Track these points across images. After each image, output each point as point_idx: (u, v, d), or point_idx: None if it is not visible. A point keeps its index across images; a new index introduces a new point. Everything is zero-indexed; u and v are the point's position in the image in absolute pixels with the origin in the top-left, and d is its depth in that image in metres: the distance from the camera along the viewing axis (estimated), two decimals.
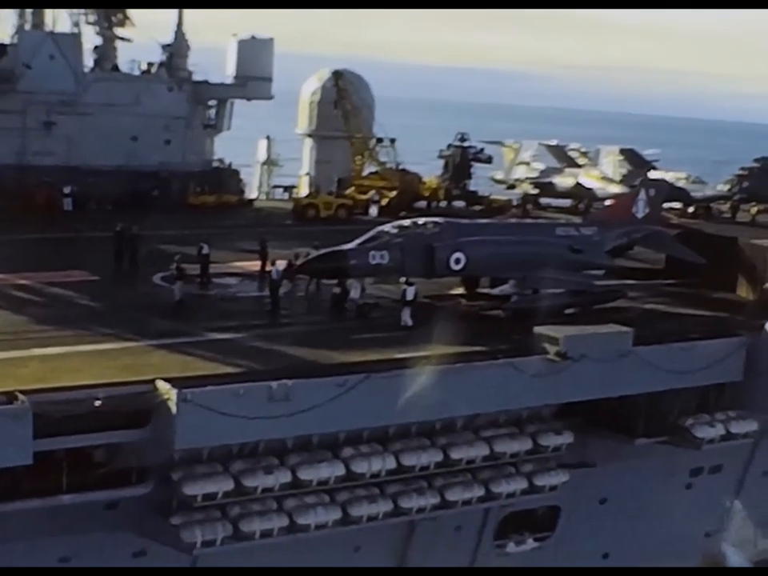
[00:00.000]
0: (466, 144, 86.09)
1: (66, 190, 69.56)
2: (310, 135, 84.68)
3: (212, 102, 78.77)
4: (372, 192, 76.25)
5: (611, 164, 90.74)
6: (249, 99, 78.79)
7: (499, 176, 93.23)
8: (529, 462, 41.61)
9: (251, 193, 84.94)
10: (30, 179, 69.89)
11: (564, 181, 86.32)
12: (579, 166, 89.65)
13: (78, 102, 71.86)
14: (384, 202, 76.81)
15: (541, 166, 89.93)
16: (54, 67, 70.78)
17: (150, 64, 76.24)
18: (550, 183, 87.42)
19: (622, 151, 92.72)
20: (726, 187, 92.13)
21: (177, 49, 76.40)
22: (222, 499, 34.19)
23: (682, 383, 43.46)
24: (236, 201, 77.18)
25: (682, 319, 48.26)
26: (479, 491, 39.86)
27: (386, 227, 45.41)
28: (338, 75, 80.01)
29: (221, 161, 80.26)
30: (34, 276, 48.40)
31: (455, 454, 39.23)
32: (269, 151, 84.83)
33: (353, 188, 78.89)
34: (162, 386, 32.84)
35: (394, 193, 78.23)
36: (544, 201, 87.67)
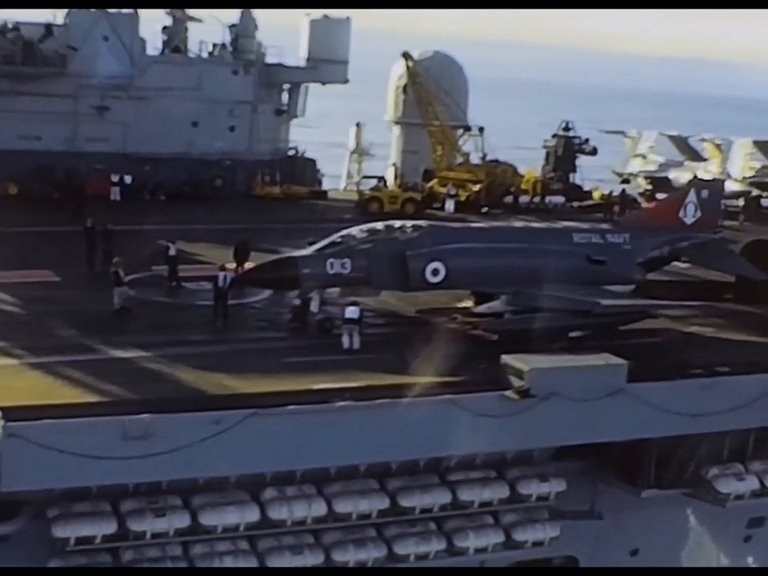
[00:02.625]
0: (570, 134, 77.50)
1: (115, 178, 65.01)
2: (397, 123, 77.59)
3: (285, 87, 72.30)
4: (449, 185, 68.77)
5: (741, 158, 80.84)
6: (323, 83, 72.43)
7: (620, 169, 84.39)
8: (512, 511, 35.07)
9: (340, 183, 78.65)
10: (82, 167, 65.21)
11: (681, 176, 77.31)
12: (704, 160, 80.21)
13: (134, 86, 67.18)
14: (465, 195, 68.99)
15: (660, 159, 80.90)
16: (108, 49, 65.98)
17: (215, 45, 70.49)
18: (666, 178, 78.51)
19: (757, 144, 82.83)
20: None
21: (243, 29, 70.82)
22: (103, 543, 29.52)
23: (699, 428, 35.83)
24: (306, 192, 70.95)
25: (726, 348, 39.89)
26: (439, 544, 33.67)
27: (354, 230, 38.79)
28: (407, 57, 72.74)
29: (295, 149, 74.08)
30: None
31: (406, 501, 33.18)
32: (358, 139, 78.24)
33: (435, 180, 71.45)
34: None
35: (478, 186, 70.32)
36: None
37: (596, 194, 75.75)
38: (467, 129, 74.63)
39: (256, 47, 70.99)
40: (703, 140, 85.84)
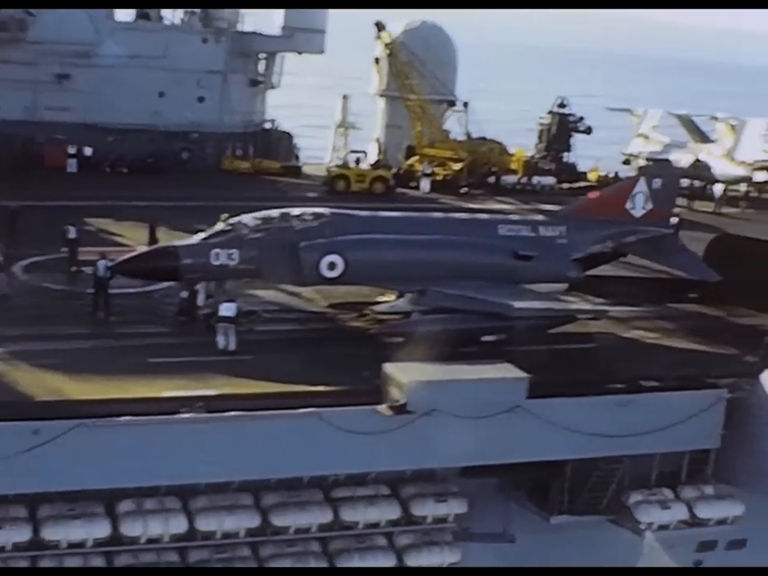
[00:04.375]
0: (565, 111, 72.90)
1: (72, 149, 61.65)
2: (381, 96, 73.35)
3: (261, 56, 68.42)
4: (424, 163, 64.58)
5: (755, 139, 75.64)
6: (299, 53, 68.46)
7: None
8: (409, 533, 31.18)
9: (325, 158, 74.74)
10: (41, 137, 62.10)
11: (682, 158, 72.40)
12: (710, 141, 75.28)
13: (96, 54, 63.28)
14: (443, 174, 64.85)
15: (665, 139, 76.00)
16: (69, 15, 62.32)
17: (185, 12, 66.69)
18: (666, 160, 73.55)
19: None
20: None
21: None
22: None
23: (614, 450, 31.64)
24: (278, 167, 67.10)
25: (665, 358, 35.69)
26: (318, 564, 30.04)
27: (246, 218, 34.95)
28: (379, 27, 68.41)
29: (272, 121, 70.26)
30: None
31: (279, 520, 29.53)
32: (344, 112, 74.05)
33: (415, 157, 67.28)
34: None
35: (459, 165, 66.05)
36: None
37: (592, 176, 71.17)
38: (451, 104, 70.05)
39: (228, 15, 66.84)
40: (715, 119, 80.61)
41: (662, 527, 33.35)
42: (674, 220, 48.14)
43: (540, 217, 40.99)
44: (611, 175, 72.31)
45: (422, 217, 38.51)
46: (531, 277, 36.83)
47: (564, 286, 37.78)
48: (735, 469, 33.87)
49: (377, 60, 70.08)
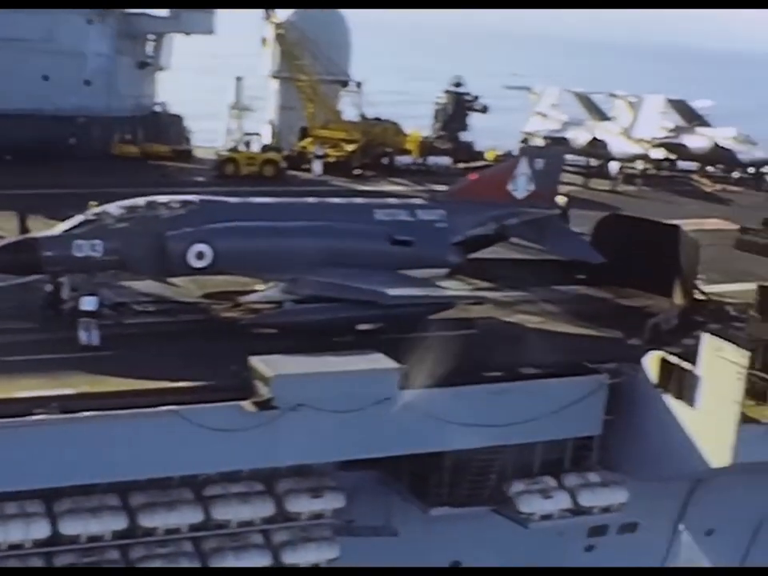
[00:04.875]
0: (461, 90, 72.00)
1: None
2: (274, 77, 71.87)
3: (150, 38, 66.58)
4: (316, 145, 63.36)
5: (652, 117, 75.46)
6: (187, 34, 66.67)
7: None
8: (286, 530, 30.16)
9: (219, 141, 73.03)
10: None
11: (580, 136, 72.02)
12: (608, 119, 74.97)
13: None
14: (336, 156, 63.66)
15: (563, 117, 75.51)
16: None
17: None
18: (563, 138, 73.23)
19: (671, 102, 77.49)
20: None
21: None
22: None
23: (491, 440, 30.86)
24: (168, 151, 65.37)
25: (546, 343, 34.86)
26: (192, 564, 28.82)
27: (110, 207, 33.46)
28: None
29: (162, 105, 68.48)
30: None
31: (149, 521, 28.39)
32: (238, 94, 72.29)
33: (308, 139, 66.01)
34: None
35: (353, 146, 64.89)
36: None
37: (490, 155, 70.38)
38: (344, 84, 68.80)
39: None
40: (614, 96, 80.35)
41: (545, 517, 32.41)
42: (563, 199, 47.58)
43: (418, 200, 39.76)
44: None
45: (295, 203, 37.29)
46: (409, 262, 35.81)
47: (444, 270, 36.75)
48: (620, 455, 33.25)
49: (263, 41, 68.51)
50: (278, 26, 66.56)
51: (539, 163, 39.24)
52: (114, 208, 33.37)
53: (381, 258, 35.27)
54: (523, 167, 39.02)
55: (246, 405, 27.78)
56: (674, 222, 42.40)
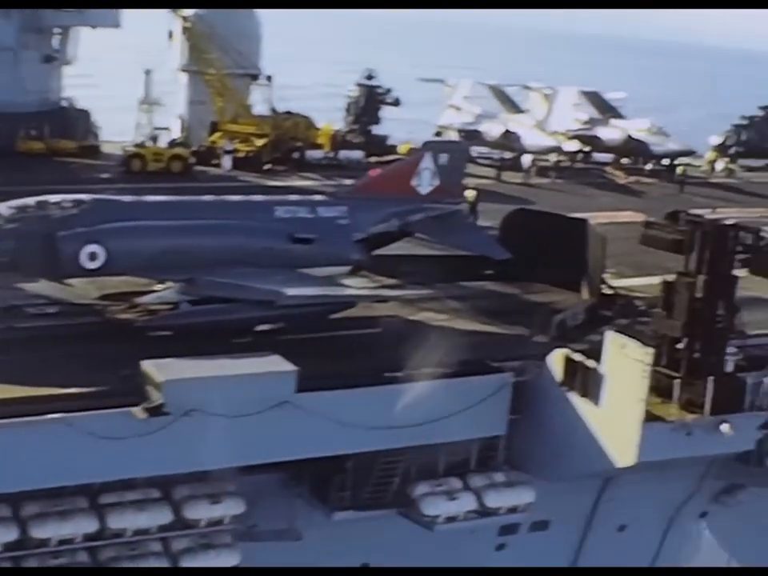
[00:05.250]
0: (373, 83, 71.24)
1: None
2: (183, 71, 70.51)
3: (56, 31, 64.98)
4: (225, 140, 62.26)
5: (566, 109, 75.24)
6: (93, 27, 65.11)
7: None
8: (185, 537, 29.25)
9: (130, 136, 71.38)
10: None
11: (493, 128, 71.58)
12: (521, 111, 74.63)
13: None
14: (247, 151, 62.58)
15: (477, 110, 75.04)
16: None
17: None
18: (477, 131, 72.77)
19: (584, 94, 77.32)
20: (721, 140, 77.77)
21: None
22: None
23: (393, 442, 30.29)
24: (74, 147, 63.89)
25: (450, 341, 34.07)
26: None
27: (1, 208, 32.14)
28: None
29: (69, 99, 66.91)
30: None
31: (39, 532, 27.26)
32: (147, 88, 70.74)
33: (218, 134, 64.87)
34: None
35: (263, 141, 63.88)
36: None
37: (403, 149, 69.63)
38: (255, 77, 67.68)
39: None
40: (528, 88, 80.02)
41: (450, 519, 31.80)
42: (472, 194, 47.11)
43: (319, 197, 38.91)
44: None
45: (191, 201, 36.30)
46: (310, 260, 35.04)
47: (347, 268, 36.01)
48: (526, 454, 32.76)
49: (170, 34, 67.22)
50: (185, 19, 65.32)
51: (443, 158, 38.64)
52: (3, 208, 32.25)
53: (281, 257, 34.46)
54: (427, 162, 38.39)
55: (137, 411, 26.81)
56: (582, 216, 41.98)
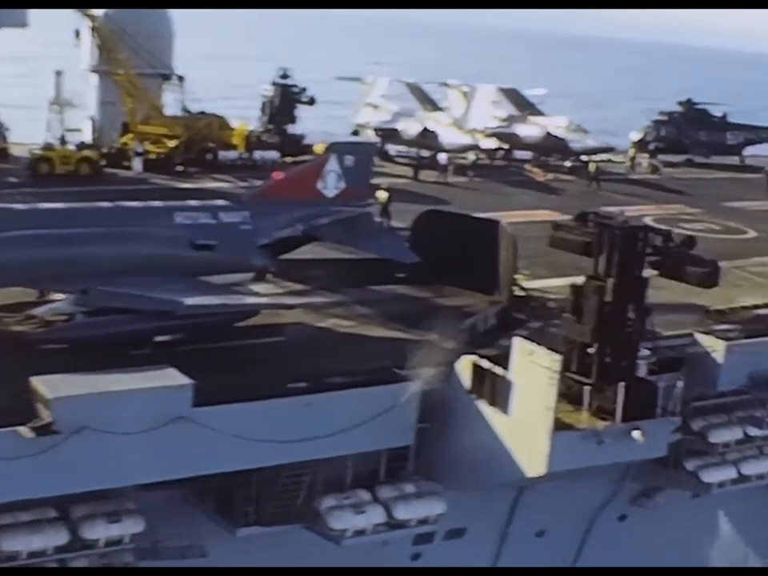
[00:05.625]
0: (288, 82, 70.05)
1: None
2: (93, 71, 68.70)
3: None
4: (136, 142, 60.78)
5: (484, 107, 74.56)
6: None
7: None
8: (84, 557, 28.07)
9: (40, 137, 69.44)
10: None
11: (410, 126, 70.73)
12: (440, 109, 73.83)
13: None
14: (158, 153, 61.14)
15: (394, 108, 74.13)
16: None
17: None
18: (394, 130, 71.90)
19: (502, 91, 76.70)
20: (640, 135, 77.76)
21: None
22: None
23: (298, 455, 29.02)
24: None
25: (356, 350, 33.30)
26: None
27: None
28: None
29: None
30: None
31: None
32: (58, 89, 68.87)
33: (130, 135, 63.30)
34: None
35: (175, 142, 62.47)
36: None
37: (319, 148, 68.34)
38: (166, 77, 66.13)
39: None
40: (446, 85, 79.27)
41: (359, 532, 30.85)
42: (384, 195, 46.30)
43: (221, 202, 37.68)
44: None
45: (86, 208, 35.00)
46: (212, 268, 33.93)
47: (250, 275, 34.93)
48: (436, 464, 31.92)
49: (77, 33, 65.50)
50: (93, 18, 63.50)
51: (349, 159, 37.71)
52: None
53: (181, 264, 33.31)
54: (332, 164, 37.44)
55: (24, 431, 25.55)
56: (497, 215, 41.31)
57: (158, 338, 31.38)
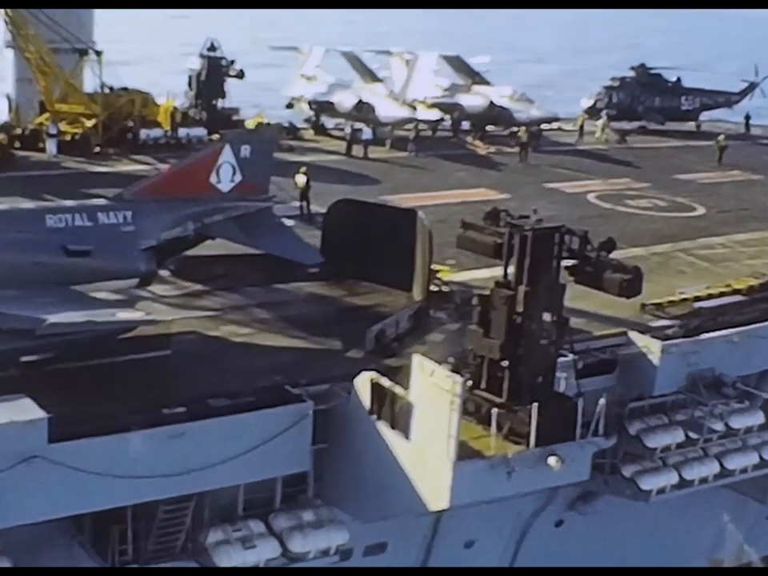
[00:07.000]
0: (215, 54, 66.44)
1: None
2: (8, 47, 64.91)
3: None
4: (49, 122, 57.18)
5: (426, 76, 71.17)
6: None
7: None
8: None
9: None
10: None
11: (345, 99, 67.40)
12: (379, 80, 70.46)
13: None
14: (74, 133, 57.56)
15: (329, 79, 70.77)
16: None
17: None
18: (330, 103, 68.55)
19: (446, 59, 73.40)
20: (591, 102, 74.81)
21: None
22: None
23: (176, 489, 26.13)
24: None
25: (248, 364, 30.23)
26: None
27: None
28: None
29: None
30: None
31: None
32: None
33: (45, 115, 59.66)
34: None
35: (93, 122, 58.88)
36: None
37: (251, 123, 65.03)
38: (83, 53, 62.34)
39: None
40: (388, 53, 75.81)
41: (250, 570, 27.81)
42: (302, 180, 43.33)
43: (100, 201, 34.20)
44: (274, 122, 66.48)
45: None
46: (89, 275, 30.66)
47: (134, 281, 31.73)
48: (338, 490, 28.88)
49: None
50: None
51: (245, 150, 34.53)
52: None
53: (53, 273, 30.05)
54: (227, 155, 34.18)
55: None
56: (428, 196, 38.27)
57: (25, 359, 28.11)
